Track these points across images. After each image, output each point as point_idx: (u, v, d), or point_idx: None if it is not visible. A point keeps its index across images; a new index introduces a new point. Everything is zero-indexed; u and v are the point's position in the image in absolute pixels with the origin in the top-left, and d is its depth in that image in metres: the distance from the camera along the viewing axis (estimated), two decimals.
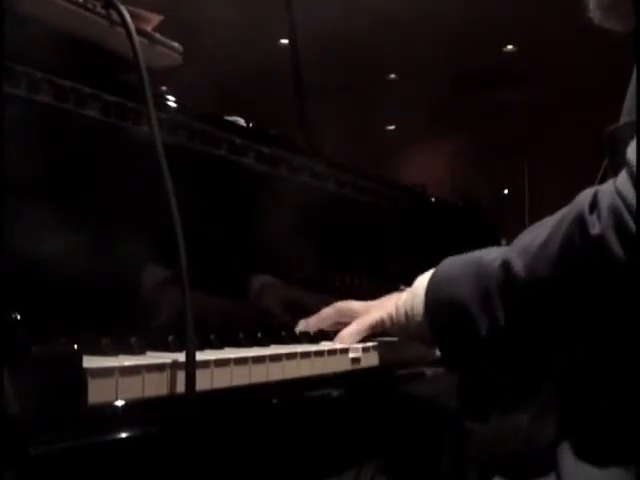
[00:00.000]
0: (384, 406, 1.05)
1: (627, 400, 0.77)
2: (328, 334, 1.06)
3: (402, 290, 1.03)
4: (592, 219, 0.72)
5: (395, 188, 1.58)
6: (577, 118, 6.10)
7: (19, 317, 0.58)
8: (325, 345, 0.99)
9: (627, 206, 0.70)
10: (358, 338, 1.02)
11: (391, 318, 1.01)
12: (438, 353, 0.98)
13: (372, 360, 1.02)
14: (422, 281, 0.97)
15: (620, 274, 0.70)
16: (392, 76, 6.75)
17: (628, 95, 0.85)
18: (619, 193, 0.71)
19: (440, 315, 0.92)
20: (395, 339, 1.08)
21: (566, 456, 0.77)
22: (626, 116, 0.83)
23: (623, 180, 0.72)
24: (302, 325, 1.08)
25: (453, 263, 0.94)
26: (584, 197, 0.75)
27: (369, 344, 1.02)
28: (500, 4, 4.93)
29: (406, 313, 0.98)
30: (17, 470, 0.51)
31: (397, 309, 1.00)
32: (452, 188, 7.03)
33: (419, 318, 0.95)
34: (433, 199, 1.75)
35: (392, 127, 8.04)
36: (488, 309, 0.83)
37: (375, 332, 1.04)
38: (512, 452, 0.89)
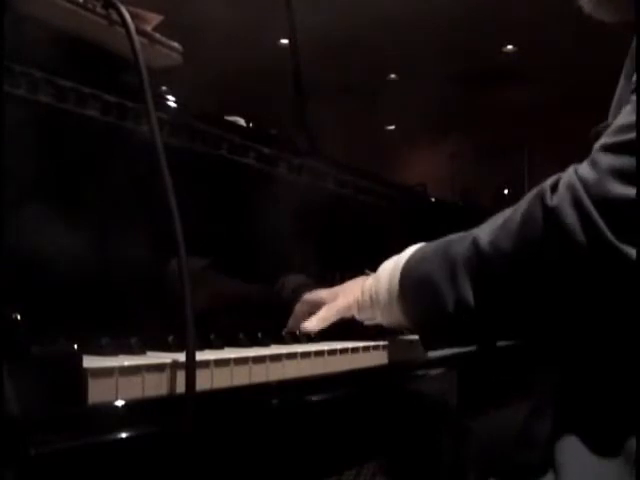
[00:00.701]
0: (384, 406, 1.05)
1: (621, 392, 0.77)
2: (328, 334, 1.06)
3: (367, 274, 1.05)
4: (550, 194, 0.77)
5: (395, 188, 1.58)
6: (577, 118, 6.10)
7: (19, 317, 0.58)
8: (325, 345, 0.99)
9: (583, 183, 0.74)
10: (325, 324, 1.02)
11: (357, 303, 1.03)
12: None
13: (372, 360, 1.02)
14: (385, 267, 1.00)
15: (574, 248, 0.73)
16: (392, 76, 6.75)
17: (615, 96, 0.85)
18: (577, 172, 0.76)
19: (412, 295, 0.94)
20: (395, 339, 1.08)
21: (564, 452, 0.77)
22: (612, 117, 0.85)
23: (584, 164, 0.77)
24: (286, 330, 1.06)
25: (424, 247, 0.97)
26: (547, 180, 0.80)
27: (370, 344, 1.02)
28: (500, 4, 4.93)
29: (371, 298, 1.00)
30: (17, 470, 0.51)
31: (362, 294, 1.02)
32: (452, 188, 7.03)
33: (383, 302, 0.98)
34: (433, 199, 1.75)
35: (392, 127, 8.04)
36: (455, 284, 0.86)
37: (343, 317, 1.05)
38: (510, 449, 0.89)
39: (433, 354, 1.04)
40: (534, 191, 0.80)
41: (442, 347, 1.00)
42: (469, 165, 7.46)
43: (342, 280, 1.10)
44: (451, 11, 5.02)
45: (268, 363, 0.79)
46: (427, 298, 0.90)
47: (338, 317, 1.04)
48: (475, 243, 0.84)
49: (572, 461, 0.76)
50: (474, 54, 5.85)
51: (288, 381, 0.83)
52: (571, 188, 0.75)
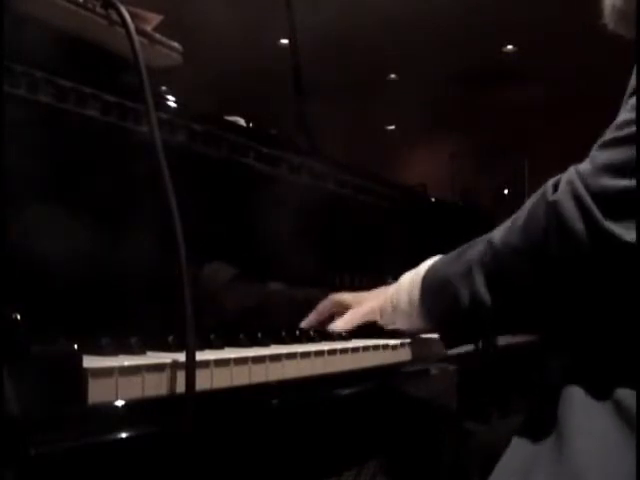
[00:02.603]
0: (384, 406, 1.05)
1: (628, 385, 0.78)
2: (328, 334, 1.06)
3: (390, 284, 1.13)
4: (552, 191, 0.82)
5: (395, 188, 1.58)
6: (577, 118, 6.10)
7: (19, 317, 0.58)
8: (325, 345, 0.99)
9: (581, 178, 0.79)
10: (351, 326, 1.10)
11: (380, 309, 1.12)
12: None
13: (372, 360, 1.02)
14: (406, 276, 1.08)
15: (573, 235, 0.78)
16: (392, 76, 6.75)
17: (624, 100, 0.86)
18: (576, 169, 0.81)
19: (432, 298, 1.01)
20: (396, 341, 1.08)
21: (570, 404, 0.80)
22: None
23: (584, 163, 0.82)
24: (304, 324, 1.15)
25: (444, 256, 1.03)
26: (551, 180, 0.85)
27: (370, 344, 1.02)
28: (500, 4, 4.93)
29: (392, 304, 1.09)
30: (17, 470, 0.51)
31: (384, 302, 1.11)
32: (452, 188, 7.03)
33: (404, 308, 1.06)
34: (433, 199, 1.75)
35: (392, 127, 8.05)
36: (469, 281, 0.92)
37: (367, 320, 1.13)
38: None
39: (433, 354, 1.09)
40: (540, 190, 0.85)
41: (462, 344, 1.05)
42: (469, 165, 7.46)
43: (342, 281, 1.13)
44: (451, 11, 5.02)
45: (268, 363, 0.79)
46: (446, 298, 0.96)
47: (363, 321, 1.12)
48: (489, 243, 0.90)
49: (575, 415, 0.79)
50: (474, 54, 5.85)
51: (288, 381, 0.83)
52: (570, 183, 0.80)
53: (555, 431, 0.80)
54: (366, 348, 1.01)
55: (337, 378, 0.93)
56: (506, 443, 0.88)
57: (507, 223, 0.90)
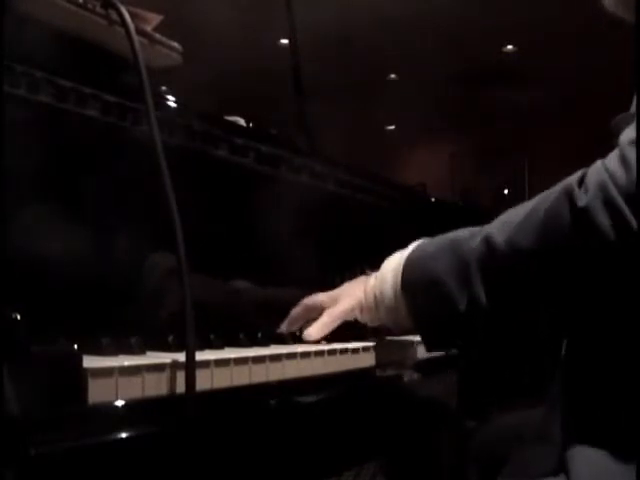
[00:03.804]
0: (384, 406, 1.05)
1: (627, 397, 0.77)
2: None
3: (368, 274, 1.01)
4: (579, 193, 0.74)
5: (395, 188, 1.58)
6: (577, 118, 6.10)
7: (19, 317, 0.58)
8: (325, 345, 0.99)
9: (614, 182, 0.71)
10: (328, 330, 0.99)
11: (361, 305, 0.99)
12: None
13: (372, 360, 1.02)
14: (388, 265, 0.96)
15: (605, 248, 0.72)
16: (392, 76, 6.75)
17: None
18: (607, 169, 0.73)
19: (417, 294, 0.90)
20: (397, 338, 1.08)
21: (575, 459, 0.76)
22: (634, 107, 0.82)
23: (612, 158, 0.74)
24: (279, 331, 1.05)
25: (427, 243, 0.93)
26: (572, 176, 0.77)
27: (369, 344, 1.02)
28: (500, 4, 4.93)
29: (375, 298, 0.96)
30: (17, 470, 0.51)
31: (366, 295, 0.98)
32: (452, 188, 7.03)
33: (389, 303, 0.94)
34: (433, 199, 1.75)
35: (392, 127, 8.04)
36: (467, 284, 0.82)
37: (347, 319, 1.02)
38: (519, 450, 0.88)
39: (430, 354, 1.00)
40: (559, 188, 0.77)
41: (445, 348, 0.98)
42: (469, 165, 7.45)
43: (342, 281, 1.09)
44: (451, 11, 5.02)
45: (268, 363, 0.80)
46: (436, 299, 0.86)
47: (340, 322, 1.00)
48: (488, 241, 0.81)
49: (584, 467, 0.75)
50: (474, 54, 5.85)
51: (288, 381, 0.83)
52: (602, 187, 0.72)
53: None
54: (366, 348, 1.01)
55: (337, 378, 0.93)
56: (506, 443, 0.88)
57: (509, 218, 0.81)
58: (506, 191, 7.42)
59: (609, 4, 0.91)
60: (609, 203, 0.71)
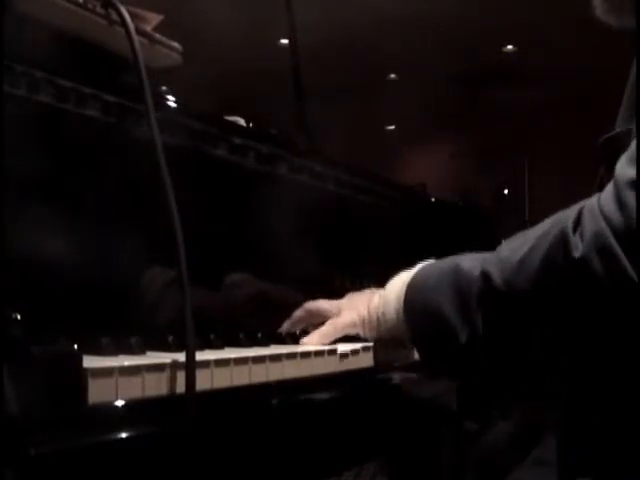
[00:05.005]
0: (384, 406, 1.05)
1: (625, 426, 0.77)
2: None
3: (373, 291, 1.04)
4: (575, 240, 0.72)
5: (395, 188, 1.58)
6: (577, 118, 6.10)
7: (19, 317, 0.58)
8: (325, 345, 0.99)
9: (611, 228, 0.69)
10: (327, 341, 1.01)
11: (363, 321, 1.02)
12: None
13: (372, 360, 1.02)
14: (393, 287, 0.98)
15: (601, 296, 0.70)
16: (392, 76, 6.75)
17: (624, 102, 0.85)
18: (602, 212, 0.70)
19: (418, 322, 0.93)
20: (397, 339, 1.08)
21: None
22: (622, 124, 0.83)
23: (608, 200, 0.71)
24: (280, 331, 1.07)
25: (429, 270, 0.95)
26: (569, 213, 0.75)
27: (369, 344, 1.02)
28: (500, 4, 4.93)
29: (378, 318, 0.99)
30: (17, 470, 0.51)
31: (369, 313, 1.01)
32: (452, 188, 7.02)
33: (391, 325, 0.97)
34: (433, 199, 1.74)
35: (392, 127, 8.04)
36: (467, 318, 0.83)
37: (347, 333, 1.03)
38: (518, 470, 0.89)
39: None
40: (555, 229, 0.75)
41: (446, 376, 1.00)
42: (469, 165, 7.45)
43: (342, 281, 1.09)
44: (451, 11, 5.02)
45: (268, 363, 0.80)
46: (438, 331, 0.88)
47: (342, 333, 1.02)
48: (485, 278, 0.81)
49: None
50: (474, 54, 5.85)
51: (288, 381, 0.83)
52: (598, 235, 0.70)
53: None
54: (366, 348, 1.01)
55: (337, 378, 0.93)
56: (506, 443, 0.88)
57: (509, 255, 0.80)
58: (506, 191, 7.41)
59: (599, 12, 0.92)
60: (605, 251, 0.69)
